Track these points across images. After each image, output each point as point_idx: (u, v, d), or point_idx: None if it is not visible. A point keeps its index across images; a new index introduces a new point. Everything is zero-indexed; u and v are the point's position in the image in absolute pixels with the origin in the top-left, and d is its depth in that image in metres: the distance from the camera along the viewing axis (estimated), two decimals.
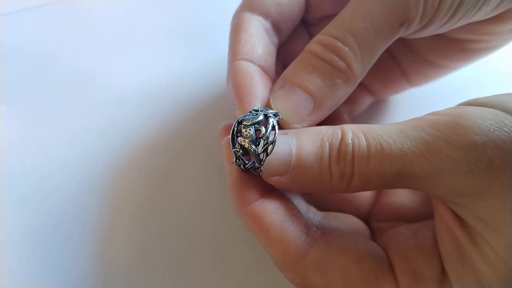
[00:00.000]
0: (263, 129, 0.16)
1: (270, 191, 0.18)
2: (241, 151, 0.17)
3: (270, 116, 0.17)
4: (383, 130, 0.15)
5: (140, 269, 0.24)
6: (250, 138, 0.16)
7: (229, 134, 0.17)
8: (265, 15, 0.20)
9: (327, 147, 0.16)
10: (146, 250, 0.24)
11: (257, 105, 0.18)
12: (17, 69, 0.30)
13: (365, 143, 0.15)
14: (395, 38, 0.18)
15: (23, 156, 0.27)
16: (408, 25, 0.17)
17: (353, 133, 0.16)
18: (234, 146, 0.17)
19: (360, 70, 0.18)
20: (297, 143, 0.16)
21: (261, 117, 0.16)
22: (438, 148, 0.14)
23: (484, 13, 0.19)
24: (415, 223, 0.19)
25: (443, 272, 0.16)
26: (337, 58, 0.17)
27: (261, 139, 0.16)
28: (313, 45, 0.18)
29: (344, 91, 0.18)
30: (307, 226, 0.17)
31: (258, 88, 0.18)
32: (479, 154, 0.14)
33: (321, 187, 0.16)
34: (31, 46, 0.31)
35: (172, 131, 0.28)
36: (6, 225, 0.25)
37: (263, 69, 0.19)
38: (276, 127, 0.16)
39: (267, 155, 0.16)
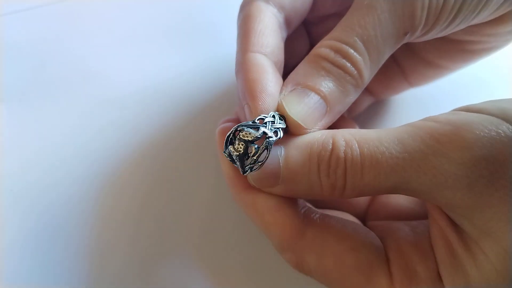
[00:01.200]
0: (254, 148, 0.16)
1: None
2: (228, 158, 0.17)
3: (269, 136, 0.16)
4: (379, 140, 0.15)
5: (141, 269, 0.24)
6: (239, 153, 0.16)
7: (225, 123, 0.18)
8: (280, 7, 0.20)
9: (316, 160, 0.15)
10: (147, 249, 0.24)
11: (270, 104, 0.17)
12: (17, 69, 0.30)
13: (359, 156, 0.15)
14: (399, 45, 0.18)
15: (23, 155, 0.27)
16: (412, 34, 0.18)
17: (346, 143, 0.15)
18: (224, 151, 0.17)
19: (368, 77, 0.18)
20: (285, 154, 0.16)
21: (259, 134, 0.16)
22: (438, 163, 0.14)
23: (483, 17, 0.19)
24: (413, 221, 0.19)
25: (438, 274, 0.16)
26: (349, 64, 0.17)
27: (250, 157, 0.16)
28: (323, 50, 0.17)
29: (353, 96, 0.18)
30: (305, 207, 0.17)
31: (272, 86, 0.17)
32: (481, 170, 0.14)
33: (312, 196, 0.16)
34: (31, 46, 0.31)
35: (172, 130, 0.28)
36: (6, 225, 0.25)
37: (276, 65, 0.19)
38: (270, 148, 0.16)
39: (251, 170, 0.16)
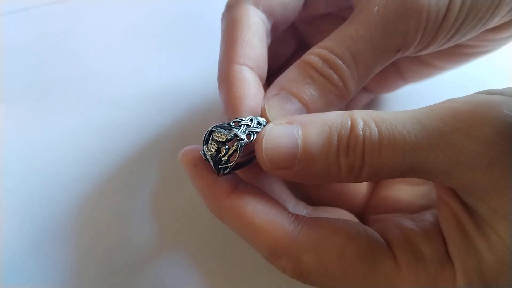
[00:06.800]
0: (225, 149, 0.17)
1: (243, 183, 0.18)
2: (204, 157, 0.18)
3: (241, 138, 0.16)
4: (397, 120, 0.14)
5: (140, 269, 0.24)
6: (211, 152, 0.17)
7: (190, 146, 0.19)
8: (270, 14, 0.19)
9: (335, 139, 0.15)
10: (144, 248, 0.24)
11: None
12: (17, 69, 0.30)
13: (377, 134, 0.14)
14: (391, 61, 0.18)
15: (23, 156, 0.27)
16: (404, 51, 0.18)
17: (364, 122, 0.15)
18: (201, 150, 0.18)
19: (354, 89, 0.18)
20: (303, 134, 0.15)
21: (230, 136, 0.16)
22: (457, 141, 0.13)
23: (483, 29, 0.19)
24: (413, 214, 0.19)
25: (446, 255, 0.15)
26: (335, 76, 0.17)
27: (220, 158, 0.17)
28: (312, 58, 0.18)
29: (336, 107, 0.18)
30: (292, 212, 0.17)
31: (255, 103, 0.17)
32: (503, 147, 0.13)
33: (328, 178, 0.16)
34: (31, 46, 0.31)
35: (171, 131, 0.28)
36: (5, 224, 0.25)
37: (260, 77, 0.18)
38: (241, 150, 0.16)
39: (223, 171, 0.17)
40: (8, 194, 0.26)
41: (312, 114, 0.16)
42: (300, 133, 0.15)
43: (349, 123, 0.15)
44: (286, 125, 0.16)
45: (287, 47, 0.25)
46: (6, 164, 0.27)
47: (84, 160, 0.27)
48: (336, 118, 0.15)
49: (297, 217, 0.17)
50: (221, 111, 0.28)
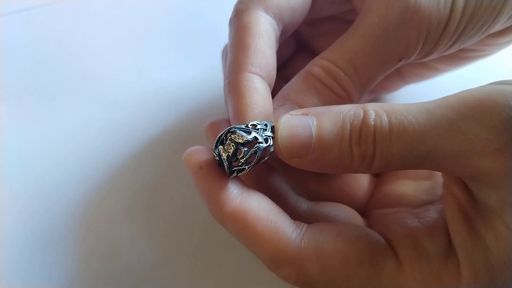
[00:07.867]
0: (244, 151, 0.16)
1: (247, 188, 0.18)
2: (217, 158, 0.17)
3: (260, 141, 0.16)
4: (407, 110, 0.15)
5: (140, 269, 0.24)
6: (228, 154, 0.16)
7: (196, 146, 0.18)
8: (280, 19, 0.19)
9: (349, 128, 0.15)
10: (145, 249, 0.24)
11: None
12: (17, 69, 0.30)
13: (387, 124, 0.15)
14: (393, 70, 0.18)
15: (23, 155, 0.27)
16: (406, 60, 0.18)
17: (376, 113, 0.15)
18: (214, 150, 0.17)
19: (357, 97, 0.18)
20: (317, 124, 0.16)
21: (250, 138, 0.16)
22: (466, 128, 0.13)
23: (484, 36, 0.19)
24: (416, 209, 0.19)
25: (448, 249, 0.15)
26: (338, 86, 0.18)
27: (238, 159, 0.16)
28: (316, 69, 0.18)
29: None
30: (293, 219, 0.17)
31: (264, 112, 0.17)
32: None
33: (341, 168, 0.16)
34: (31, 46, 0.31)
35: (172, 131, 0.28)
36: (5, 225, 0.25)
37: (269, 85, 0.18)
38: (259, 153, 0.16)
39: (237, 173, 0.17)
40: (9, 194, 0.26)
41: (327, 106, 0.17)
42: (314, 123, 0.16)
43: (362, 114, 0.15)
44: (302, 116, 0.16)
45: (287, 48, 0.25)
46: (6, 164, 0.27)
47: (84, 160, 0.27)
48: (349, 110, 0.16)
49: (298, 224, 0.17)
50: (221, 110, 0.28)
